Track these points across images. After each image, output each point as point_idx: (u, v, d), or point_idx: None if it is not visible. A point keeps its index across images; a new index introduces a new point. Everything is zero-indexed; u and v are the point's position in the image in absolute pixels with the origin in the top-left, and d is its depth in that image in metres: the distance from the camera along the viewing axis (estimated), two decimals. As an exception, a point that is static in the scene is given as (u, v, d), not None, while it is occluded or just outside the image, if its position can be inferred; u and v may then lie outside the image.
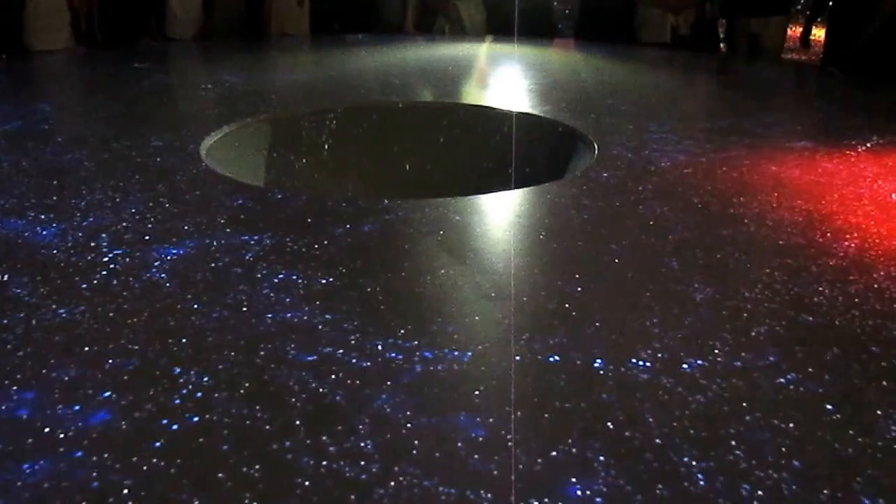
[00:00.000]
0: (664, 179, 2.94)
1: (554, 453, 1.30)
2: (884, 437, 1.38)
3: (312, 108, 4.27)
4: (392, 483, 1.22)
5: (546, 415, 1.42)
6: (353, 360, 1.59)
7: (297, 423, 1.37)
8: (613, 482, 1.23)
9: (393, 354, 1.62)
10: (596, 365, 1.60)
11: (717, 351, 1.67)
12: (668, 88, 5.24)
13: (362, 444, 1.31)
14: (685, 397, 1.49)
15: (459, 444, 1.32)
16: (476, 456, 1.29)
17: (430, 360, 1.59)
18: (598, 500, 1.19)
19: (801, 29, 7.35)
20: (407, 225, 2.42)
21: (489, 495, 1.19)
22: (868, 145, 3.48)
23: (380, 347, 1.64)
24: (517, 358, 1.61)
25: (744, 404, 1.47)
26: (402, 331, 1.72)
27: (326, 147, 4.24)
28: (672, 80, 5.68)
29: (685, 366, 1.61)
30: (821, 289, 2.01)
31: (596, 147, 3.37)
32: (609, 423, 1.39)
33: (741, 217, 2.53)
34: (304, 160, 4.10)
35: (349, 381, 1.51)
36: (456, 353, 1.62)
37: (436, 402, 1.45)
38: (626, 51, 6.46)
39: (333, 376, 1.53)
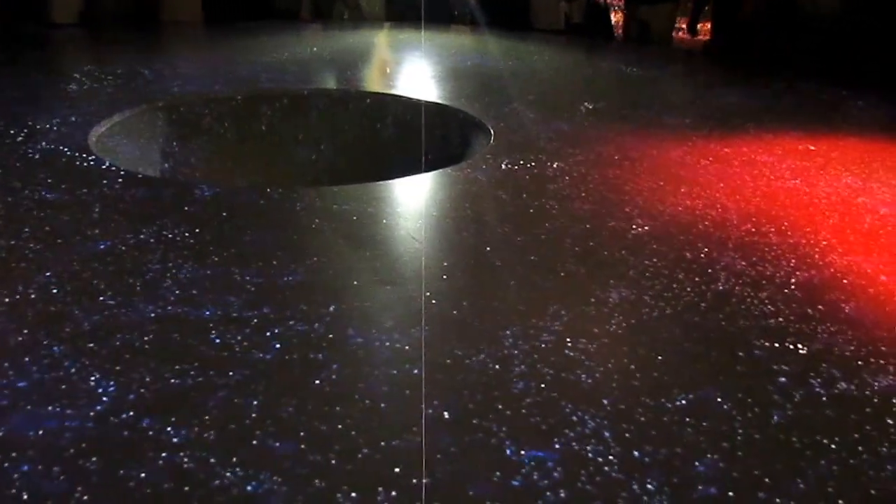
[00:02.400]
0: (556, 165, 3.09)
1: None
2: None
3: (211, 96, 4.22)
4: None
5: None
6: (254, 350, 1.65)
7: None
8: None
9: (294, 342, 1.68)
10: (480, 357, 1.71)
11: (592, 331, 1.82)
12: (561, 75, 5.43)
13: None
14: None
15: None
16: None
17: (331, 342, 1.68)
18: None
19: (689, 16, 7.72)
20: (309, 212, 2.47)
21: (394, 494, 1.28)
22: (757, 131, 3.74)
23: (277, 331, 1.70)
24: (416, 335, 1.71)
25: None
26: (301, 316, 1.78)
27: (228, 135, 4.20)
28: (565, 66, 5.87)
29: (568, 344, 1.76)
30: (691, 275, 2.20)
31: (492, 132, 3.50)
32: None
33: (629, 204, 2.70)
34: (204, 149, 4.06)
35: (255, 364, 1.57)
36: (356, 337, 1.71)
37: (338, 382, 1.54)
38: (521, 38, 6.63)
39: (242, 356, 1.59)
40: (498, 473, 1.27)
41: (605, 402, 1.50)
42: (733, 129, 3.77)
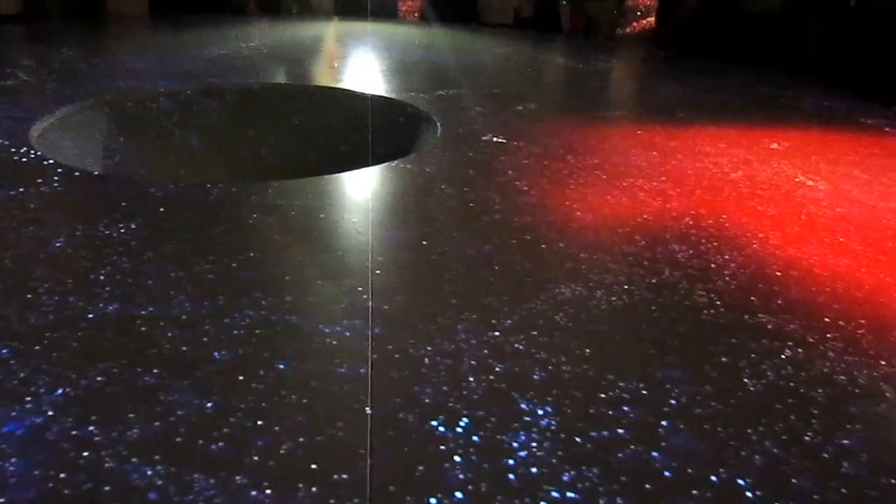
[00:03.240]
0: (502, 159, 3.10)
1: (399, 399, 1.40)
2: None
3: (157, 91, 4.14)
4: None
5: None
6: (188, 346, 1.62)
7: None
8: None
9: (233, 338, 1.66)
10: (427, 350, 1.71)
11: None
12: (509, 69, 5.45)
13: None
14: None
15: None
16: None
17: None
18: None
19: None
20: (254, 207, 2.43)
21: (346, 479, 1.26)
22: (702, 123, 3.80)
23: (214, 327, 1.68)
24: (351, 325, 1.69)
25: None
26: (241, 312, 1.75)
27: (175, 131, 4.13)
28: (513, 60, 5.89)
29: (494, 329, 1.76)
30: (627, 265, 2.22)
31: (439, 126, 3.49)
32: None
33: (572, 197, 2.72)
34: (150, 145, 3.98)
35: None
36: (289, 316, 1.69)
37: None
38: (470, 32, 6.65)
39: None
40: (446, 465, 1.27)
41: (555, 392, 1.51)
42: (678, 122, 3.83)
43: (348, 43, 6.00)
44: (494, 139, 3.36)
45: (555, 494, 1.22)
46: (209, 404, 1.40)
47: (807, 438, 1.42)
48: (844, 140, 3.68)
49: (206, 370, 1.51)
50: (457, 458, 1.29)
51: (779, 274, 2.15)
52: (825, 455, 1.38)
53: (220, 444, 1.29)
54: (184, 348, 1.58)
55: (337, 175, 2.81)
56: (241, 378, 1.48)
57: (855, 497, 1.27)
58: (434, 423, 1.38)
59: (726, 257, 2.24)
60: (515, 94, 4.34)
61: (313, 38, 6.04)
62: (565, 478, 1.26)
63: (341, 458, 1.27)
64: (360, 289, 1.88)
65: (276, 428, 1.34)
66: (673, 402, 1.51)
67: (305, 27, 6.46)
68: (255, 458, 1.26)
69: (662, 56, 6.15)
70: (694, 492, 1.25)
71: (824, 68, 5.06)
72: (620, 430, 1.40)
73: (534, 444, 1.34)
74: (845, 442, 1.42)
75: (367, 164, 3.03)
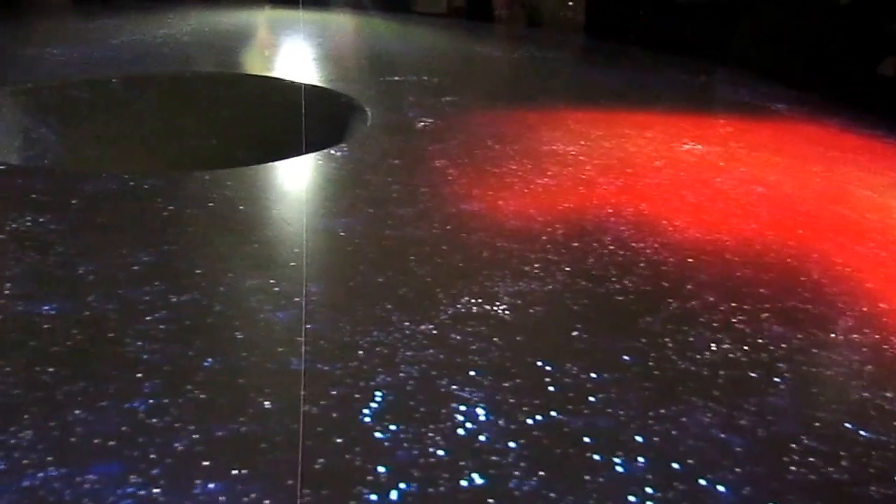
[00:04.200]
0: (431, 148, 3.10)
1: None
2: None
3: (83, 78, 4.02)
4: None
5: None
6: (95, 344, 1.59)
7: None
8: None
9: (150, 331, 1.63)
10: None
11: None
12: (441, 58, 5.44)
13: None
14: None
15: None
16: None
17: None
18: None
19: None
20: (181, 198, 2.38)
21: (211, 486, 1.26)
22: (629, 112, 3.85)
23: (129, 321, 1.64)
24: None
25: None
26: (158, 304, 1.72)
27: (101, 119, 4.01)
28: (446, 49, 5.89)
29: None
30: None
31: (370, 115, 3.48)
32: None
33: (498, 186, 2.73)
34: (75, 134, 3.86)
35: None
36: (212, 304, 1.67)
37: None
38: (402, 20, 6.62)
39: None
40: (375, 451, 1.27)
41: (498, 379, 1.53)
42: (606, 110, 3.88)
43: (280, 31, 5.92)
44: (424, 127, 3.36)
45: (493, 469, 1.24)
46: (113, 403, 1.37)
47: (701, 423, 1.47)
48: (764, 128, 3.78)
49: (113, 368, 1.48)
50: (379, 435, 1.29)
51: (690, 260, 2.20)
52: (722, 436, 1.42)
53: (115, 441, 1.27)
54: (87, 345, 1.54)
55: (267, 165, 2.78)
56: (161, 375, 1.46)
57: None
58: (366, 410, 1.39)
59: (643, 244, 2.28)
60: (446, 84, 4.34)
61: (245, 26, 5.94)
62: (495, 457, 1.28)
63: (268, 450, 1.27)
64: (284, 280, 1.86)
65: (178, 424, 1.32)
66: (590, 384, 1.54)
67: (237, 14, 6.35)
68: (152, 456, 1.24)
69: (593, 45, 6.22)
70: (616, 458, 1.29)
71: (754, 57, 5.18)
72: (553, 413, 1.43)
73: (468, 424, 1.36)
74: (743, 423, 1.47)
75: (299, 154, 3.01)
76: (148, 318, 1.66)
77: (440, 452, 1.31)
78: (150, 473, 1.19)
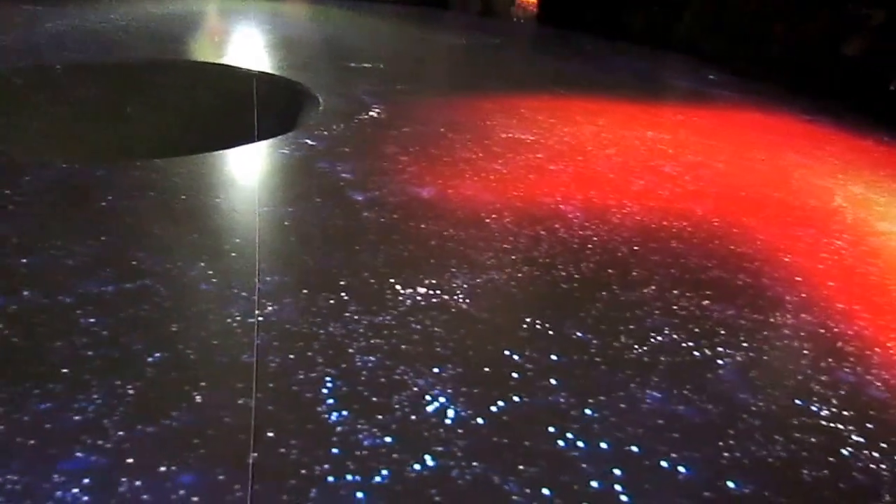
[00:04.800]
0: (382, 135, 3.08)
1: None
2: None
3: (25, 65, 3.90)
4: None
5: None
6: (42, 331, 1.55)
7: None
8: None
9: (93, 323, 1.60)
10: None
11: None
12: (395, 45, 5.42)
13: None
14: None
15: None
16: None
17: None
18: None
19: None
20: (126, 187, 2.33)
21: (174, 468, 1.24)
22: (584, 100, 3.88)
23: (75, 314, 1.61)
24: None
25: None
26: (99, 297, 1.69)
27: (44, 108, 3.90)
28: (399, 37, 5.86)
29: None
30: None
31: (321, 102, 3.45)
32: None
33: (447, 175, 2.73)
34: (18, 121, 3.75)
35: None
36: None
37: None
38: (355, 8, 6.57)
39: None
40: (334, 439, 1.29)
41: (450, 366, 1.54)
42: (559, 98, 3.90)
43: (231, 19, 5.83)
44: (376, 115, 3.34)
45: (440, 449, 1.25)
46: (52, 404, 1.34)
47: (646, 406, 1.50)
48: (713, 115, 3.85)
49: (47, 365, 1.45)
50: (333, 417, 1.29)
51: (637, 248, 2.23)
52: (661, 421, 1.45)
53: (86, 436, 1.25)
54: (14, 340, 1.51)
55: (217, 153, 2.73)
56: (97, 372, 1.43)
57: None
58: (321, 397, 1.39)
59: (589, 232, 2.31)
60: (399, 71, 4.33)
61: (195, 13, 5.83)
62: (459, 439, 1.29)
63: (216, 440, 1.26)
64: (256, 269, 1.84)
65: (128, 420, 1.30)
66: (538, 369, 1.55)
67: (186, 3, 6.22)
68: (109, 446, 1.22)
69: (547, 33, 6.25)
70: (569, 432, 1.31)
71: (706, 43, 5.25)
72: (514, 398, 1.44)
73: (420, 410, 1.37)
74: (681, 408, 1.50)
75: (250, 141, 2.96)
76: (80, 311, 1.62)
77: (388, 439, 1.32)
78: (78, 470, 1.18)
